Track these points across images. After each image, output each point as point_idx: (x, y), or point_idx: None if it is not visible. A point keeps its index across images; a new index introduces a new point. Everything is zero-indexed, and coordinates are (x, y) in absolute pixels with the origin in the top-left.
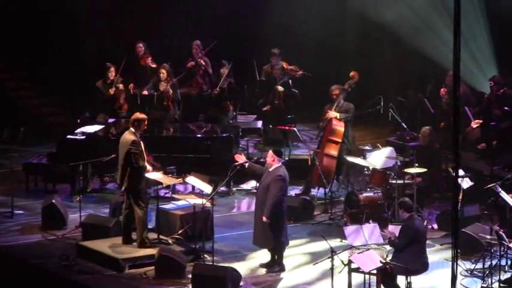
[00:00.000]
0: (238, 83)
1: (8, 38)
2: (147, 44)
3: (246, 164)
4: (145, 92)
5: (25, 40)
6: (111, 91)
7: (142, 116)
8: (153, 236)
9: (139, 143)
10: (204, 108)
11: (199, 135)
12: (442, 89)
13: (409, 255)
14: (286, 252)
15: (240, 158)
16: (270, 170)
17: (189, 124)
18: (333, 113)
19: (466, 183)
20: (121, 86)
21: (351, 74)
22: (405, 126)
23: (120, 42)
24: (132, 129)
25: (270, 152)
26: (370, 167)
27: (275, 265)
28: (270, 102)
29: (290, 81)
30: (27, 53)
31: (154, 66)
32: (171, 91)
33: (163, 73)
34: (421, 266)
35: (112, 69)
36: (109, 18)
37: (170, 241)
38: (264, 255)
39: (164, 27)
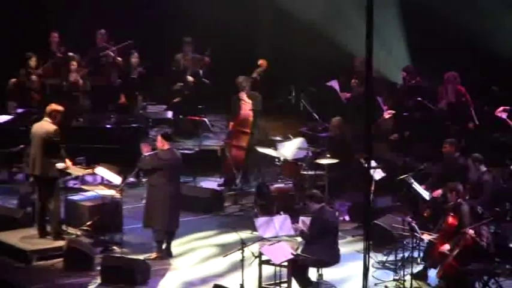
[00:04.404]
0: (148, 72)
1: None
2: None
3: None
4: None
5: None
6: (28, 81)
7: (60, 107)
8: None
9: (59, 133)
10: (113, 98)
11: (108, 126)
12: (352, 80)
13: (319, 247)
14: (196, 243)
15: (146, 148)
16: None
17: (98, 114)
18: (247, 100)
19: (378, 174)
20: (34, 77)
21: (259, 62)
22: (317, 117)
23: (30, 31)
24: (48, 119)
25: (159, 137)
26: (281, 158)
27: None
28: (180, 93)
29: (201, 71)
30: None
31: (64, 56)
32: (81, 81)
33: (73, 64)
34: (332, 257)
35: (33, 58)
36: (18, 7)
37: (79, 233)
38: (174, 247)
39: (69, 16)
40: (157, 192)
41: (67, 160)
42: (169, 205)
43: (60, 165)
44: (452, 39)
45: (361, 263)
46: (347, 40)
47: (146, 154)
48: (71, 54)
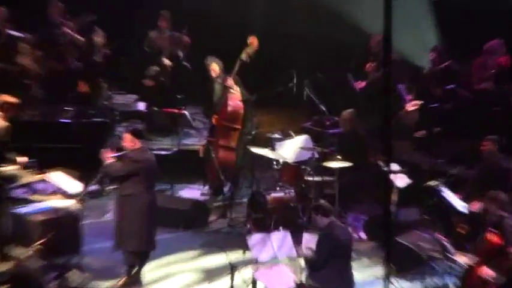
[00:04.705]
0: (115, 54)
1: None
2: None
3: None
4: None
5: None
6: None
7: (13, 99)
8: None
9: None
10: (72, 86)
11: (65, 120)
12: (368, 64)
13: (328, 272)
14: (174, 267)
15: (108, 156)
16: None
17: (53, 106)
18: (236, 88)
19: (401, 180)
20: None
21: (249, 40)
22: (324, 109)
23: None
24: None
25: (127, 135)
26: (280, 160)
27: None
28: (154, 79)
29: (181, 52)
30: None
31: (13, 35)
32: (36, 67)
33: (22, 46)
34: (344, 285)
35: None
36: None
37: (28, 254)
38: (148, 271)
39: None
40: (133, 203)
41: (18, 159)
42: (147, 219)
43: (6, 168)
44: (487, 15)
45: None
46: (360, 15)
47: (113, 156)
48: (16, 33)
